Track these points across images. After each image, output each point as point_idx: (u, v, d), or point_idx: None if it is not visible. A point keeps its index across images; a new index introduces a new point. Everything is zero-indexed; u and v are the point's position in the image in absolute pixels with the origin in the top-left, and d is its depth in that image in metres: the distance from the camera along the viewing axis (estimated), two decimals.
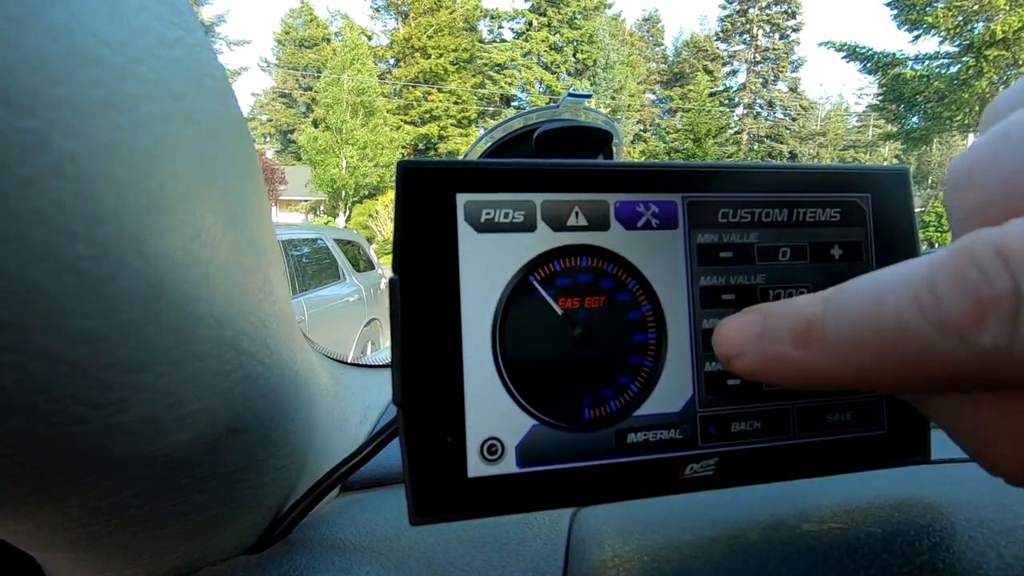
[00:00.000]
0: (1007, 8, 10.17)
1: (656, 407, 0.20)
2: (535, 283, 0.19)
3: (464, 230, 0.19)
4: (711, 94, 22.28)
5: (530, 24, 23.48)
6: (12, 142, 0.12)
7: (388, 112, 19.29)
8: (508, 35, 24.50)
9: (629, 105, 24.08)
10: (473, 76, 23.07)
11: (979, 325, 0.10)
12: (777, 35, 25.20)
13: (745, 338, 0.15)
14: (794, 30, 24.95)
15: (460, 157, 0.47)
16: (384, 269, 4.53)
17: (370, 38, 21.18)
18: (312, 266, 3.31)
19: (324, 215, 17.04)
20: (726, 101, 26.03)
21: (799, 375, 0.13)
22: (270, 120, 24.93)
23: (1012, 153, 0.12)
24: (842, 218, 0.21)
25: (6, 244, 0.12)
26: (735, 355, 0.15)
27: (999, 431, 0.13)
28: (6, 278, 0.12)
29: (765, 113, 26.20)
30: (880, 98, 13.49)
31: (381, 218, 14.87)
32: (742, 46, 25.96)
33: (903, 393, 0.13)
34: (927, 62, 11.84)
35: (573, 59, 23.09)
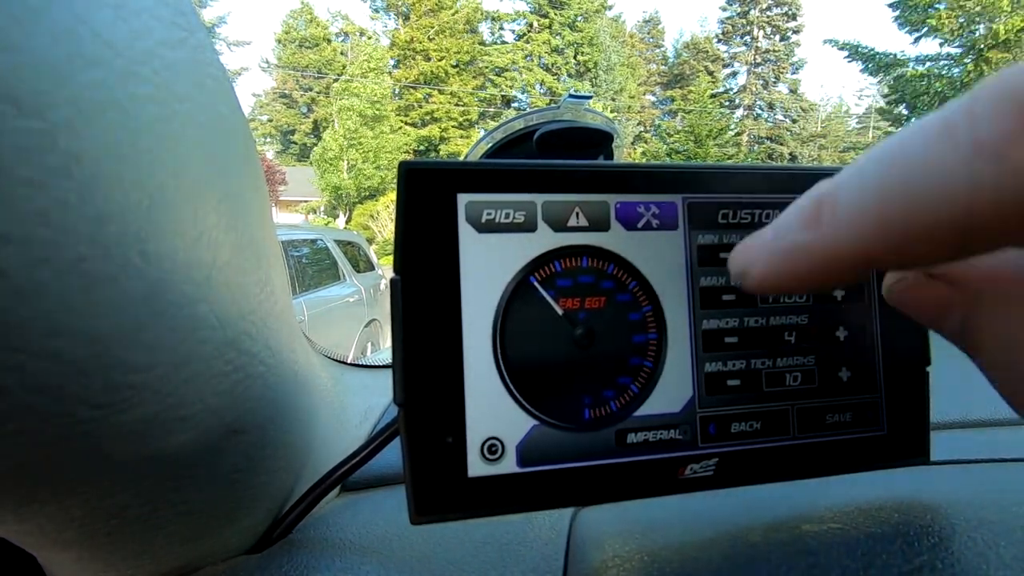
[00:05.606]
0: (1009, 10, 10.17)
1: (656, 407, 0.20)
2: (536, 283, 0.19)
3: (465, 230, 0.19)
4: (712, 95, 22.22)
5: (531, 26, 23.48)
6: (19, 143, 0.12)
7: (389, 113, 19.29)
8: (509, 37, 24.50)
9: (630, 106, 24.07)
10: (474, 78, 23.06)
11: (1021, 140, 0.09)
12: (778, 37, 25.19)
13: (757, 244, 0.14)
14: (795, 32, 24.96)
15: (461, 158, 0.47)
16: (384, 270, 4.52)
17: (371, 39, 21.19)
18: (312, 267, 3.31)
19: (324, 216, 17.04)
20: (727, 103, 26.00)
21: (814, 263, 0.12)
22: (270, 120, 24.91)
23: None
24: None
25: (11, 244, 0.12)
26: (748, 265, 0.14)
27: None
28: (10, 278, 0.13)
29: (766, 115, 26.17)
30: (887, 99, 13.48)
31: (381, 219, 14.86)
32: (743, 48, 25.94)
33: (923, 260, 0.11)
34: (928, 63, 11.85)
35: (574, 61, 23.08)
